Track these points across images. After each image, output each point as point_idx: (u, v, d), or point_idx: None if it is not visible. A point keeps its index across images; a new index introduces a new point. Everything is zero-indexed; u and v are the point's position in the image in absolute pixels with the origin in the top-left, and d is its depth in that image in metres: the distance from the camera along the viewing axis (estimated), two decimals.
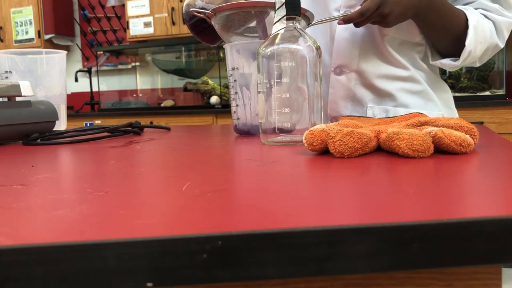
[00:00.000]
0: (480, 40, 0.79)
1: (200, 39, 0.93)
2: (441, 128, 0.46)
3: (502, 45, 0.83)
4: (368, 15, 0.74)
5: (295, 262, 0.23)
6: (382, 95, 0.86)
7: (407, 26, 0.82)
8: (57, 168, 0.47)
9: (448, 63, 0.83)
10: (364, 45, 0.84)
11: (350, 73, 0.85)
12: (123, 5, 3.70)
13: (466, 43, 0.78)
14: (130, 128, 0.86)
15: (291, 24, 0.58)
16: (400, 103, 0.86)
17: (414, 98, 0.86)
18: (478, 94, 2.69)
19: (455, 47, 0.81)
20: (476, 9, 0.82)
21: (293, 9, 0.58)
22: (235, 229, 0.23)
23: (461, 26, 0.79)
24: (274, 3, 0.60)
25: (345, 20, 0.76)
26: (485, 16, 0.81)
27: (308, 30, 0.85)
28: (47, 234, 0.24)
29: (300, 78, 0.58)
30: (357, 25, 0.78)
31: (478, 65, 0.85)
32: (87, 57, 4.02)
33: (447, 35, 0.81)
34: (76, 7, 3.97)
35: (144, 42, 3.62)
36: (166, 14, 3.38)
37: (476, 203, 0.27)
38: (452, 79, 2.75)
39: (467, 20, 0.79)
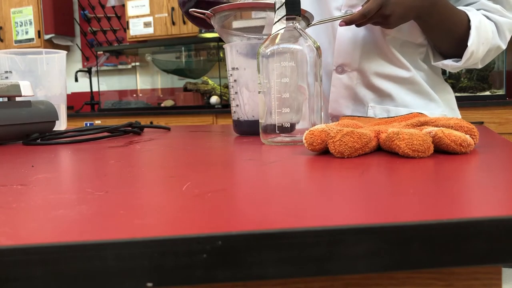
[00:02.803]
0: (483, 41, 0.79)
1: (195, 23, 0.93)
2: (441, 128, 0.46)
3: (504, 47, 0.82)
4: (369, 16, 0.73)
5: (295, 262, 0.23)
6: (383, 95, 0.86)
7: (409, 27, 0.82)
8: (57, 168, 0.47)
9: (450, 64, 0.83)
10: (365, 44, 0.84)
11: (351, 72, 0.85)
12: (123, 5, 3.70)
13: (469, 44, 0.78)
14: (130, 128, 0.86)
15: (291, 24, 0.58)
16: (401, 103, 0.86)
17: (415, 98, 0.86)
18: (478, 94, 2.68)
19: (457, 48, 0.81)
20: (478, 10, 0.82)
21: (293, 9, 0.58)
22: (235, 229, 0.23)
23: (463, 27, 0.79)
24: (274, 3, 0.60)
25: (347, 21, 0.76)
26: (487, 17, 0.81)
27: (309, 29, 0.85)
28: (47, 234, 0.24)
29: (300, 78, 0.58)
30: (358, 25, 0.78)
31: (480, 66, 0.84)
32: (87, 57, 4.02)
33: (449, 36, 0.81)
34: (76, 7, 3.97)
35: (144, 42, 3.62)
36: (166, 14, 3.38)
37: (476, 203, 0.27)
38: (452, 79, 2.75)
39: (469, 21, 0.78)
